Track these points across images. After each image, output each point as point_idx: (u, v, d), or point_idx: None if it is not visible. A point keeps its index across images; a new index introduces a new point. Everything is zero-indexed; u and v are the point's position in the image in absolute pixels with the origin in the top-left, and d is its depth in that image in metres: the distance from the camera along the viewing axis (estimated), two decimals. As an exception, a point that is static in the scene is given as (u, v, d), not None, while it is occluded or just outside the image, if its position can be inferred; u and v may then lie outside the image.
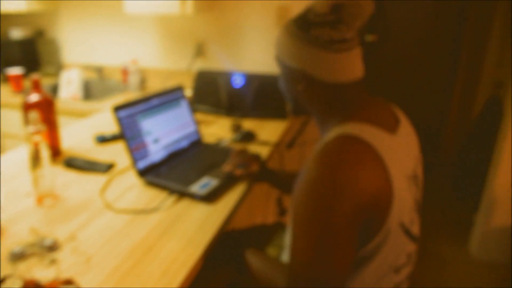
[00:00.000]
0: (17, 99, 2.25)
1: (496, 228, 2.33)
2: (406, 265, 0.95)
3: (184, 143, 1.51)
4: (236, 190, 1.27)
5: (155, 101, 1.43)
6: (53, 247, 0.95)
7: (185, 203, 1.18)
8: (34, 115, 1.15)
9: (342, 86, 0.91)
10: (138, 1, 2.18)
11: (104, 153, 1.52)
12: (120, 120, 1.28)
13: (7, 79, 2.52)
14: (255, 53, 2.43)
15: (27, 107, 1.38)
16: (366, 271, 0.88)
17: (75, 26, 2.75)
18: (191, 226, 1.07)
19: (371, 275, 0.89)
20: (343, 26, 0.87)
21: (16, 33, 2.72)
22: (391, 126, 0.91)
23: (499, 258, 2.34)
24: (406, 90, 3.68)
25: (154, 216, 1.11)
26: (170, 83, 2.53)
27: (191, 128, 1.56)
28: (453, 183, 3.07)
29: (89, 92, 2.68)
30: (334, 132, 0.88)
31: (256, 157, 1.33)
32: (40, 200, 1.16)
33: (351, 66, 0.91)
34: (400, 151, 0.89)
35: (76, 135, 1.70)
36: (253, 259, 1.03)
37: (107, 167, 1.37)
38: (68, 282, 0.85)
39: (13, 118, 2.28)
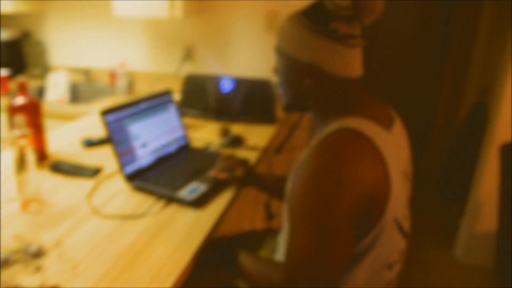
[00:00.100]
0: (3, 102, 2.22)
1: (481, 232, 2.36)
2: (398, 262, 0.96)
3: (172, 148, 1.50)
4: (225, 195, 1.27)
5: (143, 105, 1.42)
6: (38, 254, 0.93)
7: (173, 209, 1.17)
8: (20, 118, 1.13)
9: (348, 81, 0.92)
10: (127, 4, 2.17)
11: (91, 157, 1.50)
12: (107, 124, 1.27)
13: (-8, 81, 2.48)
14: (244, 58, 2.43)
15: (12, 110, 1.36)
16: (360, 267, 0.89)
17: (63, 28, 2.72)
18: (180, 231, 1.06)
19: (365, 271, 0.90)
20: (357, 22, 0.88)
21: (2, 34, 2.68)
22: (387, 124, 0.93)
23: (484, 262, 2.37)
24: (392, 96, 3.72)
25: (142, 221, 1.10)
26: (158, 87, 2.52)
27: (179, 133, 1.55)
28: (439, 187, 3.10)
29: (76, 95, 2.65)
30: (334, 125, 0.88)
31: (242, 162, 1.33)
32: (25, 205, 1.14)
33: (357, 62, 0.93)
34: (395, 148, 0.91)
35: (63, 139, 1.68)
36: (246, 260, 1.02)
37: (94, 172, 1.36)
38: (54, 289, 0.84)
39: (-2, 121, 2.25)
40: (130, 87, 2.51)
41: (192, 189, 1.23)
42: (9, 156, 1.46)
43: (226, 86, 1.98)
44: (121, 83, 2.46)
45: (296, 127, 1.81)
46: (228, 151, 1.58)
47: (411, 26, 3.49)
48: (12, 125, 1.30)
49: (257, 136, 1.79)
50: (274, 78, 1.07)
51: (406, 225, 0.95)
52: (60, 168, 1.37)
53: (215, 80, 2.00)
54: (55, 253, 0.95)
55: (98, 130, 1.73)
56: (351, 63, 0.92)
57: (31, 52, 2.77)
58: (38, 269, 0.89)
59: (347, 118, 0.88)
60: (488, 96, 2.57)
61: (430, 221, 2.84)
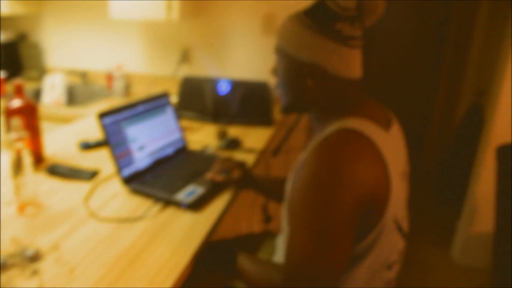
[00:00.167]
0: (-1, 104, 2.21)
1: (477, 234, 2.37)
2: (397, 262, 0.96)
3: (169, 150, 1.50)
4: (222, 198, 1.27)
5: (140, 108, 1.42)
6: (35, 258, 0.93)
7: (171, 211, 1.17)
8: (16, 121, 1.13)
9: (349, 82, 0.93)
10: (123, 6, 2.17)
11: (88, 160, 1.50)
12: (105, 127, 1.27)
13: (-12, 83, 2.47)
14: (241, 60, 2.43)
15: (9, 113, 1.36)
16: (360, 267, 0.89)
17: (59, 30, 2.72)
18: (177, 234, 1.06)
19: (365, 271, 0.90)
20: (358, 23, 0.89)
21: (-2, 37, 2.68)
22: (386, 124, 0.94)
23: (481, 263, 2.38)
24: (389, 97, 3.73)
25: (139, 224, 1.10)
26: (155, 89, 2.51)
27: (176, 135, 1.55)
28: (435, 189, 3.11)
29: (73, 97, 2.65)
30: (334, 126, 0.88)
31: (240, 164, 1.33)
32: (21, 208, 1.14)
33: (358, 63, 0.93)
34: (394, 148, 0.92)
35: (60, 142, 1.68)
36: (245, 263, 1.02)
37: (91, 175, 1.36)
38: (51, 293, 0.83)
39: (-6, 123, 2.23)
40: (127, 89, 2.50)
41: (189, 192, 1.23)
42: (6, 159, 1.45)
43: (223, 88, 1.98)
44: (118, 85, 2.45)
45: (293, 129, 1.81)
46: (225, 154, 1.58)
47: (407, 27, 3.50)
48: (8, 128, 1.29)
49: (254, 139, 1.79)
50: (272, 80, 1.06)
51: (405, 225, 0.96)
52: (57, 171, 1.37)
53: (212, 82, 2.00)
54: (52, 256, 0.95)
55: (95, 132, 1.73)
56: (352, 64, 0.92)
57: (27, 54, 2.76)
58: (35, 273, 0.89)
59: (347, 119, 0.89)
60: (484, 98, 2.58)
61: (427, 222, 2.85)
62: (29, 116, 1.39)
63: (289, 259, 0.85)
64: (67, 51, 2.75)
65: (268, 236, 1.35)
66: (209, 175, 1.29)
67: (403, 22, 3.48)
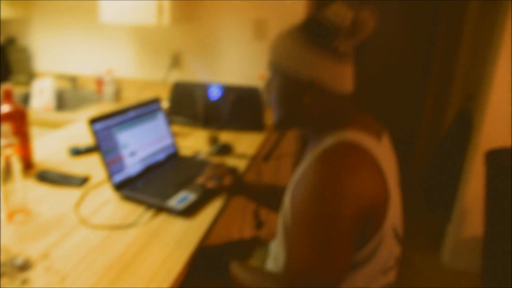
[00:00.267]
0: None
1: (467, 238, 2.39)
2: (394, 268, 0.98)
3: (160, 156, 1.49)
4: (214, 204, 1.26)
5: (131, 114, 1.41)
6: (24, 266, 0.91)
7: (163, 218, 1.16)
8: (5, 127, 1.12)
9: (343, 97, 0.94)
10: (114, 11, 2.16)
11: (79, 166, 1.48)
12: (96, 133, 1.26)
13: (-25, 87, 2.44)
14: (231, 65, 2.43)
15: (-3, 119, 1.34)
16: (358, 274, 0.91)
17: (48, 34, 2.69)
18: (170, 241, 1.05)
19: (363, 278, 0.92)
20: (351, 39, 0.90)
21: (-14, 41, 2.65)
22: (378, 135, 0.95)
23: (470, 267, 2.40)
24: (377, 103, 3.75)
25: (131, 231, 1.09)
26: (145, 94, 2.50)
27: (167, 141, 1.54)
28: (425, 194, 3.13)
29: (62, 102, 2.62)
30: (332, 139, 0.90)
31: (231, 170, 1.33)
32: (10, 216, 1.12)
33: (351, 78, 0.95)
34: (388, 157, 0.94)
35: (49, 147, 1.66)
36: (238, 271, 1.02)
37: (82, 181, 1.34)
38: (42, 303, 0.82)
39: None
40: (117, 94, 2.49)
41: (181, 198, 1.23)
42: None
43: (215, 93, 1.98)
44: (108, 90, 2.44)
45: (284, 135, 1.81)
46: (217, 159, 1.57)
47: (395, 32, 3.53)
48: (-3, 134, 1.27)
49: (245, 144, 1.79)
50: (265, 95, 1.06)
51: (401, 231, 0.98)
52: (47, 177, 1.35)
53: (203, 87, 1.99)
54: (43, 265, 0.93)
55: (85, 138, 1.71)
56: (346, 79, 0.94)
57: (15, 58, 2.73)
58: (24, 282, 0.87)
59: (343, 131, 0.90)
60: (472, 102, 2.61)
61: (417, 227, 2.87)
62: (18, 121, 1.37)
63: (289, 268, 0.86)
64: (56, 55, 2.72)
65: (259, 243, 1.35)
66: (201, 180, 1.28)
67: (391, 27, 3.51)
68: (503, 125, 2.16)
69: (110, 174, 1.27)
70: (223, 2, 2.33)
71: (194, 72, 2.49)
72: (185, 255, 1.00)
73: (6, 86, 1.36)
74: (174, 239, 1.06)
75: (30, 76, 2.74)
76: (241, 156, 1.65)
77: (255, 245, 1.32)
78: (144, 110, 1.47)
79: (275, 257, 1.09)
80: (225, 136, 1.86)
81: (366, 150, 0.86)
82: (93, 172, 1.42)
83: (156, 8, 2.10)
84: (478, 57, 2.74)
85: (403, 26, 3.52)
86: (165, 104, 2.03)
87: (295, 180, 0.94)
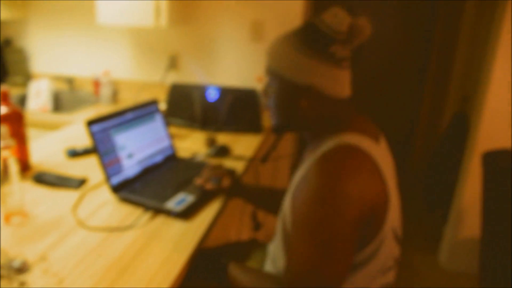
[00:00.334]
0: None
1: (464, 239, 2.39)
2: (393, 268, 0.99)
3: (158, 158, 1.49)
4: (212, 206, 1.26)
5: (129, 115, 1.41)
6: (22, 269, 0.91)
7: (161, 220, 1.16)
8: (3, 129, 1.11)
9: (341, 101, 0.95)
10: (111, 12, 2.16)
11: (76, 168, 1.48)
12: (93, 135, 1.25)
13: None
14: (229, 67, 2.43)
15: (-6, 121, 1.33)
16: (358, 275, 0.92)
17: (45, 35, 2.69)
18: (168, 243, 1.05)
19: (362, 278, 0.92)
20: (348, 44, 0.90)
21: (-18, 42, 2.64)
22: (376, 137, 0.96)
23: (467, 268, 2.40)
24: (374, 105, 3.76)
25: (129, 233, 1.09)
26: (143, 96, 2.50)
27: (165, 143, 1.54)
28: (422, 196, 3.14)
29: (59, 103, 2.61)
30: (331, 142, 0.90)
31: (229, 172, 1.33)
32: (7, 218, 1.11)
33: (348, 82, 0.96)
34: (386, 159, 0.94)
35: (46, 149, 1.65)
36: (237, 272, 1.02)
37: (79, 183, 1.34)
38: (39, 305, 0.82)
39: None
40: (114, 95, 2.48)
41: (179, 200, 1.22)
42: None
43: (212, 95, 1.98)
44: (105, 91, 2.43)
45: (282, 137, 1.82)
46: (214, 161, 1.57)
47: (391, 34, 3.54)
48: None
49: (243, 146, 1.79)
50: (264, 99, 1.07)
51: (400, 232, 0.98)
52: (44, 179, 1.34)
53: (201, 89, 1.99)
54: (40, 267, 0.93)
55: (82, 139, 1.71)
56: (344, 84, 0.95)
57: (12, 59, 2.72)
58: (22, 284, 0.87)
59: (343, 134, 0.91)
60: (469, 104, 2.62)
61: (415, 228, 2.87)
62: (15, 123, 1.36)
63: (290, 270, 0.86)
64: (53, 57, 2.71)
65: (257, 244, 1.34)
66: (199, 181, 1.28)
67: (387, 28, 3.52)
68: (500, 126, 2.17)
69: (108, 176, 1.26)
70: (220, 3, 2.33)
71: (191, 74, 2.49)
72: (183, 257, 0.99)
73: (3, 87, 1.35)
74: (173, 241, 1.06)
75: (27, 77, 2.73)
76: (239, 158, 1.65)
77: (253, 247, 1.32)
78: (142, 112, 1.47)
79: (273, 259, 1.09)
80: (223, 138, 1.86)
81: (365, 152, 0.87)
82: (90, 174, 1.42)
83: (153, 9, 2.10)
84: (475, 59, 2.75)
85: (400, 28, 3.53)
86: (162, 105, 2.03)
87: (294, 184, 0.95)
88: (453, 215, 2.44)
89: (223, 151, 1.67)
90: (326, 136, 0.94)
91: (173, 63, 2.49)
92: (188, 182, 1.34)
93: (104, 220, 1.15)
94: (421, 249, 2.66)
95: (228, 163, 1.58)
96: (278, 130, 1.04)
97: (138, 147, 1.41)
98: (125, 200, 1.25)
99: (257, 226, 1.58)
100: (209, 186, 1.26)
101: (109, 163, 1.28)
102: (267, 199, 1.28)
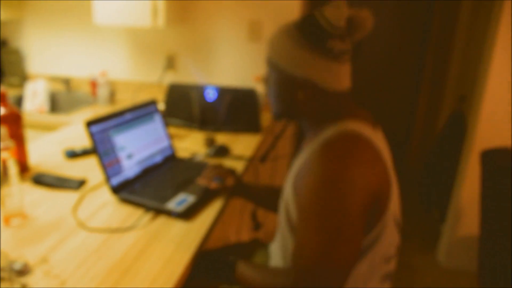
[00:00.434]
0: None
1: (462, 237, 2.40)
2: (394, 257, 1.00)
3: (158, 158, 1.48)
4: (213, 206, 1.25)
5: (128, 116, 1.40)
6: (23, 271, 0.90)
7: (162, 221, 1.15)
8: (2, 130, 1.10)
9: (338, 94, 0.95)
10: (108, 12, 2.15)
11: (75, 169, 1.47)
12: (93, 135, 1.25)
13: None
14: (226, 67, 2.43)
15: (-8, 122, 1.32)
16: (362, 262, 0.92)
17: (41, 36, 2.67)
18: (170, 244, 1.04)
19: (366, 266, 0.93)
20: (348, 38, 0.91)
21: (-23, 43, 2.62)
22: (374, 127, 0.97)
23: (466, 266, 2.41)
24: (370, 103, 3.77)
25: (130, 234, 1.08)
26: (140, 96, 2.49)
27: (164, 143, 1.53)
28: (420, 194, 3.15)
29: (55, 104, 2.60)
30: (332, 129, 0.91)
31: (231, 171, 1.33)
32: (7, 220, 1.10)
33: (347, 75, 0.96)
34: (384, 148, 0.95)
35: (44, 150, 1.64)
36: (245, 270, 1.02)
37: (79, 184, 1.33)
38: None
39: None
40: (112, 96, 2.47)
41: (180, 201, 1.22)
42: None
43: (210, 95, 1.97)
44: (102, 92, 2.42)
45: (280, 137, 1.81)
46: (214, 161, 1.57)
47: (387, 33, 3.55)
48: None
49: (242, 146, 1.79)
50: (261, 87, 1.09)
51: (400, 219, 0.99)
52: (43, 180, 1.33)
53: (199, 89, 1.99)
54: (41, 269, 0.92)
55: (80, 140, 1.70)
56: (342, 77, 0.95)
57: (7, 60, 2.70)
58: (23, 286, 0.86)
59: (344, 122, 0.92)
60: (466, 103, 2.62)
61: (413, 226, 2.88)
62: (14, 124, 1.35)
63: (298, 262, 0.86)
64: (49, 57, 2.70)
65: (259, 245, 1.34)
66: (202, 181, 1.27)
67: (383, 27, 3.53)
68: (498, 125, 2.18)
69: (108, 177, 1.25)
70: (218, 3, 2.33)
71: (189, 74, 2.48)
72: (186, 257, 0.99)
73: (1, 88, 1.34)
74: (174, 241, 1.05)
75: (23, 78, 2.71)
76: (239, 157, 1.64)
77: (255, 247, 1.32)
78: (141, 112, 1.46)
79: (276, 257, 1.09)
80: (222, 138, 1.85)
81: (367, 139, 0.88)
82: (90, 174, 1.41)
83: (150, 9, 2.09)
84: (471, 58, 2.76)
85: (396, 26, 3.54)
86: (160, 106, 2.02)
87: (294, 173, 0.96)
88: (451, 213, 2.45)
89: (222, 151, 1.67)
90: (325, 124, 0.94)
91: (170, 63, 2.48)
92: (188, 182, 1.33)
93: (105, 221, 1.14)
94: (419, 248, 2.67)
95: (228, 163, 1.57)
96: (278, 118, 1.06)
97: (137, 147, 1.40)
98: (126, 201, 1.24)
99: (257, 226, 1.58)
100: (214, 185, 1.26)
101: (109, 163, 1.27)
102: (269, 197, 1.28)
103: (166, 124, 1.92)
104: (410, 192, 3.25)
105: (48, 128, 2.08)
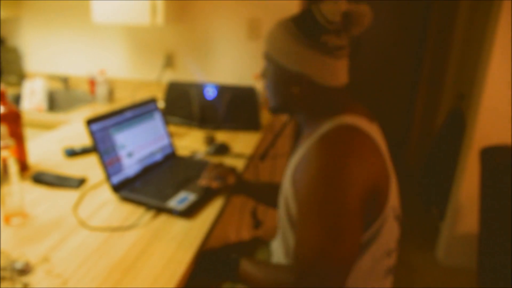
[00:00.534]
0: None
1: (461, 234, 2.41)
2: (395, 250, 1.00)
3: (158, 157, 1.48)
4: (215, 204, 1.25)
5: (128, 114, 1.39)
6: (25, 270, 0.89)
7: (163, 219, 1.15)
8: (2, 129, 1.09)
9: (335, 89, 0.95)
10: (106, 11, 2.14)
11: (74, 167, 1.46)
12: (93, 134, 1.24)
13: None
14: (226, 65, 2.42)
15: (-8, 120, 1.31)
16: (364, 256, 0.92)
17: (39, 34, 2.65)
18: (172, 242, 1.04)
19: (369, 260, 0.93)
20: (345, 33, 0.90)
21: (-25, 41, 2.60)
22: (370, 120, 0.97)
23: (465, 263, 2.42)
24: (368, 101, 3.77)
25: (131, 233, 1.07)
26: (139, 94, 2.48)
27: (165, 141, 1.53)
28: (419, 192, 3.15)
29: (54, 103, 2.59)
30: (329, 123, 0.91)
31: (232, 170, 1.32)
32: (7, 219, 1.10)
33: (343, 71, 0.96)
34: (382, 141, 0.95)
35: (44, 149, 1.63)
36: (248, 267, 1.01)
37: (79, 182, 1.32)
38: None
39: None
40: (110, 94, 2.46)
41: (181, 199, 1.21)
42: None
43: (210, 93, 1.97)
44: (101, 90, 2.41)
45: (280, 135, 1.81)
46: (214, 159, 1.56)
47: (385, 30, 3.55)
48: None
49: (242, 144, 1.78)
50: (259, 84, 1.10)
51: (400, 212, 1.00)
52: (43, 179, 1.32)
53: (199, 87, 1.98)
54: (43, 268, 0.91)
55: (79, 139, 1.69)
56: (338, 73, 0.95)
57: (5, 59, 2.69)
58: (25, 286, 0.85)
59: (342, 116, 0.92)
60: (465, 101, 2.63)
61: (412, 224, 2.88)
62: (13, 123, 1.34)
63: (300, 258, 0.86)
64: (47, 56, 2.68)
65: (260, 243, 1.34)
66: (204, 181, 1.27)
67: (381, 26, 3.52)
68: (497, 123, 2.18)
69: (109, 175, 1.25)
70: (217, 1, 2.32)
71: (188, 72, 2.47)
72: (188, 255, 0.99)
73: (0, 87, 1.34)
74: (176, 240, 1.05)
75: (21, 77, 2.69)
76: (239, 155, 1.64)
77: (256, 245, 1.31)
78: (141, 110, 1.45)
79: (278, 254, 1.09)
80: (221, 136, 1.85)
81: (365, 132, 0.88)
82: (89, 173, 1.40)
83: (149, 7, 2.08)
84: (469, 56, 2.76)
85: (394, 24, 3.54)
86: (160, 104, 2.02)
87: (292, 168, 0.96)
88: (450, 211, 2.45)
89: (222, 149, 1.66)
90: (322, 119, 0.94)
91: (169, 62, 2.47)
92: (189, 180, 1.33)
93: (106, 219, 1.14)
94: (419, 246, 2.67)
95: (228, 161, 1.57)
96: (274, 112, 1.06)
97: (138, 145, 1.39)
98: (126, 199, 1.24)
99: (257, 224, 1.57)
100: (215, 185, 1.25)
101: (109, 162, 1.27)
102: (270, 194, 1.28)
103: (166, 122, 1.92)
104: (409, 190, 3.26)
105: (47, 126, 2.07)
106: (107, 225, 1.11)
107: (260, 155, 1.70)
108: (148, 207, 1.19)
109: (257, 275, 0.99)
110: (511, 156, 1.84)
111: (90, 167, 1.45)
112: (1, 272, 0.87)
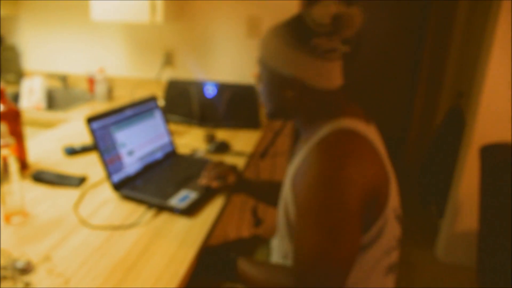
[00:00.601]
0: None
1: (461, 232, 2.41)
2: (396, 248, 1.00)
3: (158, 155, 1.47)
4: (216, 202, 1.25)
5: (128, 112, 1.39)
6: (26, 270, 0.89)
7: (164, 217, 1.15)
8: (2, 127, 1.09)
9: (329, 92, 0.95)
10: (105, 8, 2.13)
11: (75, 166, 1.45)
12: (93, 132, 1.23)
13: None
14: (225, 63, 2.41)
15: (-9, 119, 1.31)
16: (365, 257, 0.92)
17: (37, 32, 2.64)
18: (173, 241, 1.03)
19: (369, 260, 0.93)
20: (336, 36, 0.90)
21: (-27, 39, 2.59)
22: (367, 123, 0.97)
23: (465, 260, 2.42)
24: (367, 100, 3.77)
25: (133, 231, 1.07)
26: (138, 93, 2.47)
27: (165, 139, 1.52)
28: (418, 190, 3.16)
29: (52, 101, 2.58)
30: (327, 127, 0.91)
31: (233, 168, 1.32)
32: (7, 218, 1.09)
33: (337, 74, 0.95)
34: (380, 142, 0.96)
35: (43, 147, 1.62)
36: (246, 267, 1.01)
37: (80, 181, 1.31)
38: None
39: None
40: (109, 93, 2.45)
41: (182, 197, 1.21)
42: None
43: (210, 91, 1.96)
44: (100, 89, 2.40)
45: (279, 133, 1.81)
46: (215, 157, 1.56)
47: (384, 28, 3.54)
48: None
49: (242, 142, 1.78)
50: (257, 86, 1.10)
51: (400, 211, 1.00)
52: (43, 177, 1.32)
53: (198, 85, 1.98)
54: (45, 268, 0.91)
55: (79, 137, 1.68)
56: (331, 75, 0.95)
57: (3, 57, 2.67)
58: (27, 285, 0.85)
59: (340, 120, 0.92)
60: (464, 99, 2.63)
61: (411, 222, 2.89)
62: (13, 121, 1.34)
63: (299, 260, 0.86)
64: (46, 54, 2.67)
65: (260, 240, 1.34)
66: (204, 181, 1.26)
67: (381, 25, 3.52)
68: (496, 121, 2.19)
69: (109, 174, 1.24)
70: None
71: (187, 70, 2.46)
72: (190, 254, 0.98)
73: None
74: (178, 238, 1.05)
75: (19, 75, 2.68)
76: (239, 153, 1.63)
77: (256, 243, 1.31)
78: (141, 108, 1.45)
79: (280, 253, 1.08)
80: (221, 134, 1.84)
81: (363, 135, 0.89)
82: (90, 171, 1.40)
83: (149, 5, 2.07)
84: (469, 55, 2.76)
85: (393, 23, 3.54)
86: (160, 102, 2.01)
87: (292, 172, 0.96)
88: (449, 209, 2.46)
89: (223, 147, 1.66)
90: (320, 123, 0.94)
91: (168, 60, 2.46)
92: (190, 178, 1.33)
93: (107, 218, 1.13)
94: (418, 243, 2.68)
95: (229, 159, 1.56)
96: (271, 117, 1.06)
97: (138, 144, 1.39)
98: (127, 198, 1.23)
99: (257, 222, 1.57)
100: (215, 184, 1.25)
101: (110, 160, 1.26)
102: (271, 192, 1.28)
103: (166, 120, 1.92)
104: (409, 188, 3.26)
105: (46, 125, 2.06)
106: (108, 224, 1.10)
107: (260, 153, 1.70)
108: (149, 205, 1.19)
109: (256, 275, 0.99)
110: (511, 154, 1.84)
111: (90, 166, 1.44)
112: (2, 271, 0.87)
